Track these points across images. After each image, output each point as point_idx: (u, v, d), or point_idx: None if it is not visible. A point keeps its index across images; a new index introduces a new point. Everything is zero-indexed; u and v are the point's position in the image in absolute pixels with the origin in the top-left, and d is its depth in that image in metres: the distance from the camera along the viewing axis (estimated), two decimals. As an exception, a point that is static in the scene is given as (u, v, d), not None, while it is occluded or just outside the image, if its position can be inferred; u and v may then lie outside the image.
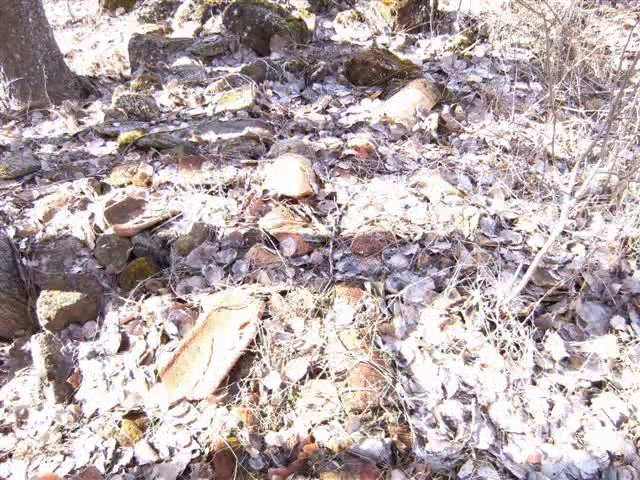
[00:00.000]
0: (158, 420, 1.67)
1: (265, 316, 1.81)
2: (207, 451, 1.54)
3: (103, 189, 2.59)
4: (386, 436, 1.49)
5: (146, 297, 2.00)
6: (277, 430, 1.56)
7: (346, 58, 3.74)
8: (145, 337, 1.89)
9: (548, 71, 3.21)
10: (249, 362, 1.71)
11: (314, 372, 1.66)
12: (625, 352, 1.67)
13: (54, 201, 2.49)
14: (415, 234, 2.11)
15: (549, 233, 2.12)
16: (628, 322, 1.78)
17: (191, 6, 4.79)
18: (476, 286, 1.81)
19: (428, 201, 2.31)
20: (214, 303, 1.88)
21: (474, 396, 1.59)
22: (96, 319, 2.02)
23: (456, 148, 2.76)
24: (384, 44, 4.02)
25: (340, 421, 1.53)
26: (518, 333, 1.67)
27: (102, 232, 2.27)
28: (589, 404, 1.59)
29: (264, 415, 1.59)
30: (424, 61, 3.77)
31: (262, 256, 2.04)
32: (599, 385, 1.63)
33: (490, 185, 2.44)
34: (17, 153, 3.02)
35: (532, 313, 1.70)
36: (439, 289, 1.88)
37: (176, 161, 2.64)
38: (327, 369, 1.65)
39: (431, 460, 1.43)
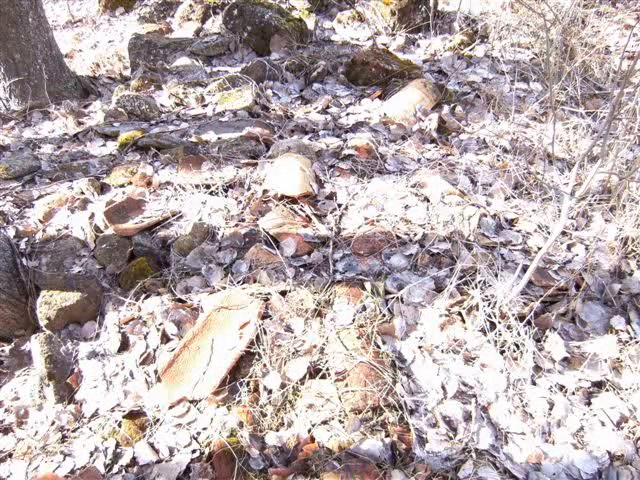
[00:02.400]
0: (158, 420, 1.67)
1: (265, 316, 1.81)
2: (207, 451, 1.54)
3: (103, 189, 2.59)
4: (386, 436, 1.49)
5: (146, 297, 2.00)
6: (277, 430, 1.56)
7: (346, 58, 3.74)
8: (145, 337, 1.89)
9: (548, 71, 3.21)
10: (249, 362, 1.71)
11: (314, 372, 1.66)
12: (625, 352, 1.67)
13: (54, 201, 2.49)
14: (415, 234, 2.11)
15: (549, 233, 2.12)
16: (628, 322, 1.78)
17: (191, 6, 4.80)
18: (476, 286, 1.81)
19: (428, 201, 2.31)
20: (214, 303, 1.87)
21: (474, 396, 1.59)
22: (96, 319, 2.02)
23: (456, 148, 2.76)
24: (384, 44, 4.02)
25: (340, 421, 1.53)
26: (518, 333, 1.67)
27: (102, 232, 2.27)
28: (589, 404, 1.59)
29: (264, 415, 1.59)
30: (424, 61, 3.77)
31: (262, 256, 2.04)
32: (599, 385, 1.63)
33: (490, 185, 2.44)
34: (17, 153, 3.03)
35: (532, 313, 1.70)
36: (439, 289, 1.88)
37: (176, 161, 2.64)
38: (327, 369, 1.65)
39: (431, 460, 1.43)
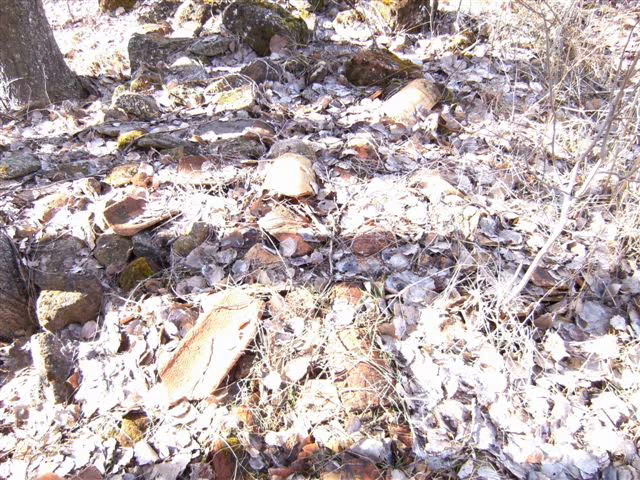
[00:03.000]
0: (158, 420, 1.67)
1: (265, 316, 1.81)
2: (207, 451, 1.54)
3: (103, 189, 2.59)
4: (386, 436, 1.49)
5: (146, 297, 2.00)
6: (277, 430, 1.56)
7: (346, 58, 3.74)
8: (145, 337, 1.89)
9: (548, 71, 3.21)
10: (249, 362, 1.71)
11: (314, 372, 1.66)
12: (625, 352, 1.67)
13: (54, 201, 2.49)
14: (415, 234, 2.11)
15: (549, 233, 2.12)
16: (628, 322, 1.78)
17: (191, 6, 4.80)
18: (476, 286, 1.81)
19: (428, 201, 2.31)
20: (214, 303, 1.87)
21: (474, 396, 1.59)
22: (96, 319, 2.02)
23: (456, 148, 2.76)
24: (384, 44, 4.02)
25: (340, 421, 1.53)
26: (518, 333, 1.67)
27: (102, 232, 2.27)
28: (589, 404, 1.59)
29: (264, 415, 1.59)
30: (424, 61, 3.77)
31: (262, 256, 2.04)
32: (599, 385, 1.63)
33: (490, 185, 2.44)
34: (17, 153, 3.03)
35: (532, 313, 1.70)
36: (439, 289, 1.88)
37: (176, 161, 2.64)
38: (327, 369, 1.65)
39: (431, 460, 1.43)
